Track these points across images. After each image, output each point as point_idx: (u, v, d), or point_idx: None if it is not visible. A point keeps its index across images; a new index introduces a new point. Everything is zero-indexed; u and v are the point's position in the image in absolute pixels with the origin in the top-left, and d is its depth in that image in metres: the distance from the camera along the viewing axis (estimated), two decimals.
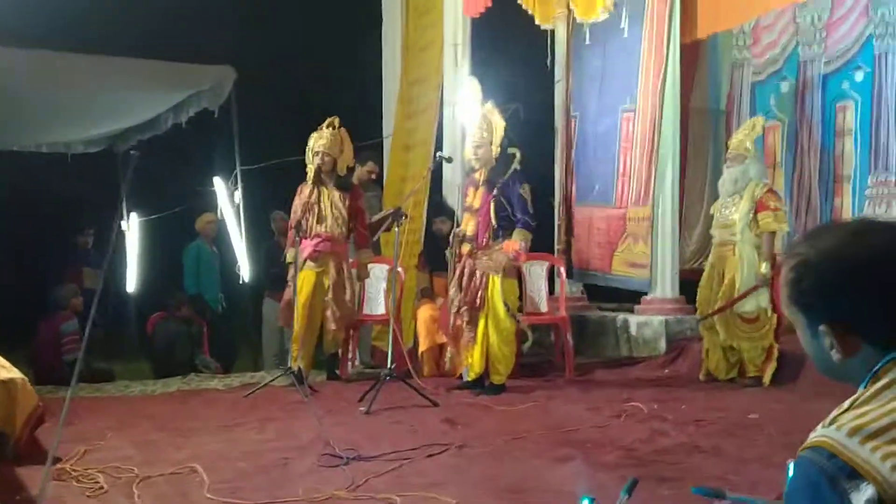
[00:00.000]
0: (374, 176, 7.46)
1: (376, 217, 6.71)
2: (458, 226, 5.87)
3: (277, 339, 7.38)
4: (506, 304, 5.59)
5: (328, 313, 6.05)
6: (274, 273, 7.14)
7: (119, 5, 9.61)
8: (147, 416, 5.07)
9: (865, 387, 1.27)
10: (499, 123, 5.71)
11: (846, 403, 1.23)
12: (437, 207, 7.11)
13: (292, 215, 6.17)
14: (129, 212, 10.00)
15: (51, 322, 6.61)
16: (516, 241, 5.56)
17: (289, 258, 6.13)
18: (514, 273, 5.73)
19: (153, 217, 9.90)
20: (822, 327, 1.28)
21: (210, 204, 8.41)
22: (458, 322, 5.77)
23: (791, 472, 1.23)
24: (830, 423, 1.20)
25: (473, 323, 5.68)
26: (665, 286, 6.84)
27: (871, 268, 1.26)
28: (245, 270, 7.64)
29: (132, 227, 9.86)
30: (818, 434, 1.20)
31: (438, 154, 6.37)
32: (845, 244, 1.30)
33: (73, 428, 4.74)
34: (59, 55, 7.84)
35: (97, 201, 10.70)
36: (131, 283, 9.71)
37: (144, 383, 6.37)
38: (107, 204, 10.39)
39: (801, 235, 1.41)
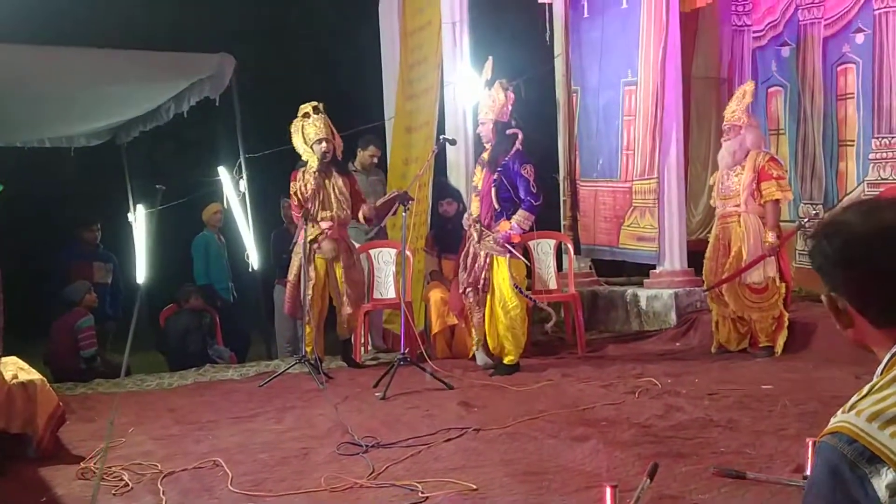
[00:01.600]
0: (376, 159, 7.46)
1: (381, 200, 6.71)
2: (467, 208, 5.90)
3: (290, 327, 7.42)
4: (516, 285, 5.61)
5: (343, 298, 6.08)
6: (285, 260, 7.17)
7: None
8: (165, 410, 5.12)
9: (882, 373, 1.30)
10: (500, 97, 5.71)
11: (865, 389, 1.25)
12: (442, 189, 7.11)
13: (297, 200, 6.14)
14: (135, 203, 10.03)
15: (65, 319, 6.65)
16: (508, 223, 5.57)
17: (310, 235, 6.09)
18: (504, 250, 5.67)
19: (159, 208, 9.92)
20: (822, 296, 1.34)
21: (216, 194, 8.42)
22: (466, 303, 5.83)
23: (811, 457, 1.27)
24: (850, 409, 1.23)
25: (480, 303, 5.73)
26: (674, 259, 6.86)
27: (868, 244, 1.28)
28: (254, 258, 7.67)
29: (139, 219, 9.90)
30: (838, 420, 1.23)
31: (442, 137, 6.35)
32: (854, 217, 1.33)
33: (94, 425, 4.81)
34: (59, 49, 7.82)
35: (102, 194, 10.74)
36: (141, 275, 9.76)
37: (160, 376, 6.43)
38: (112, 197, 10.44)
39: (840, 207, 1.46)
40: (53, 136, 9.71)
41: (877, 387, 1.24)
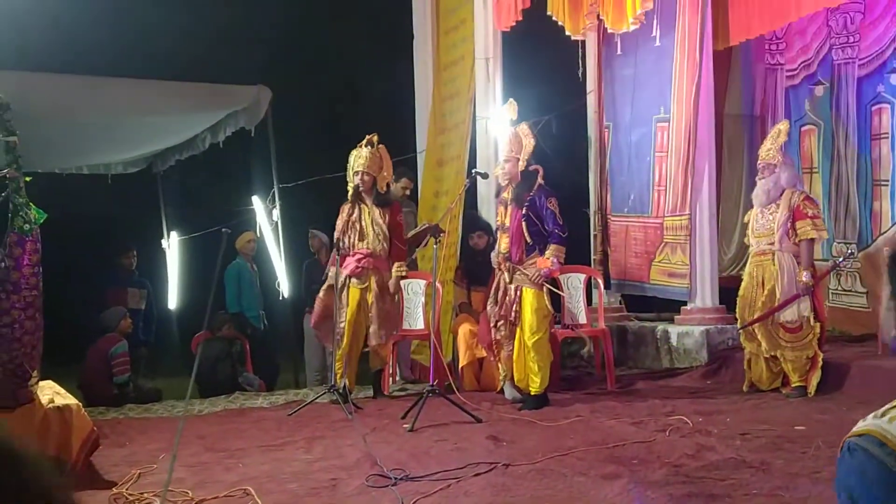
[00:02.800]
0: (408, 192, 7.53)
1: (412, 232, 6.78)
2: (496, 241, 5.95)
3: (319, 356, 7.47)
4: (556, 316, 5.66)
5: (371, 329, 6.12)
6: (314, 290, 7.24)
7: (157, 30, 9.81)
8: (196, 437, 5.16)
9: None
10: (529, 142, 5.76)
11: None
12: (473, 222, 7.15)
13: (335, 234, 6.24)
14: (169, 231, 10.19)
15: (101, 344, 6.74)
16: (548, 259, 5.62)
17: (329, 278, 6.20)
18: (541, 284, 5.73)
19: (193, 235, 10.07)
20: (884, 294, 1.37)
21: (249, 223, 8.53)
22: (496, 336, 5.85)
23: (840, 457, 1.28)
24: (882, 415, 1.26)
25: (511, 336, 5.76)
26: (705, 295, 6.83)
27: None
28: (285, 287, 7.75)
29: (172, 246, 10.05)
30: (868, 423, 1.26)
31: (474, 171, 6.41)
32: None
33: (126, 450, 4.87)
34: (99, 79, 8.02)
35: (138, 221, 10.92)
36: (173, 301, 9.89)
37: (191, 402, 6.47)
38: (147, 224, 10.62)
39: None
40: (91, 163, 9.91)
41: None
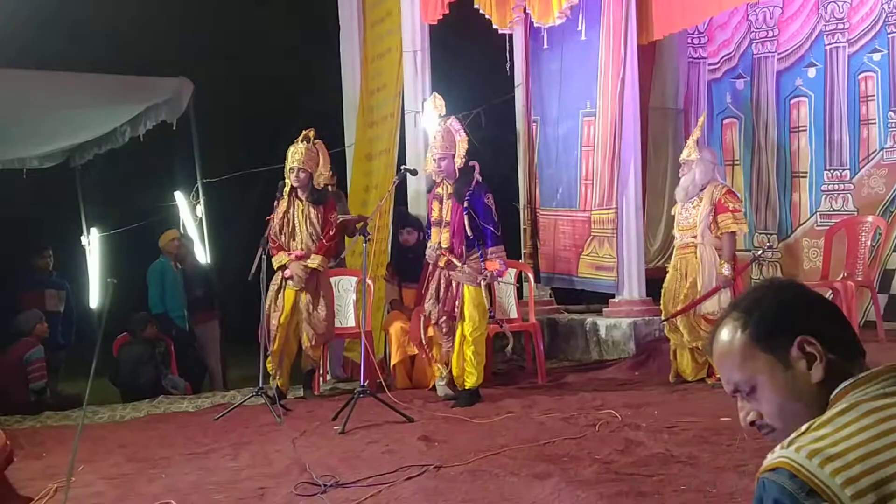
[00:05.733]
0: (331, 186, 7.39)
1: (342, 217, 6.64)
2: (428, 238, 5.91)
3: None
4: (491, 312, 5.78)
5: (304, 333, 6.01)
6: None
7: (75, 21, 9.45)
8: (117, 446, 4.99)
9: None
10: (462, 137, 5.74)
11: (803, 427, 1.29)
12: (402, 218, 7.09)
13: (268, 230, 6.07)
14: (88, 227, 9.86)
15: (14, 350, 6.47)
16: (495, 262, 5.65)
17: (275, 264, 6.02)
18: (479, 280, 5.77)
19: (114, 232, 9.76)
20: (798, 339, 1.35)
21: (172, 219, 8.31)
22: (434, 333, 5.83)
23: (756, 493, 1.28)
24: (789, 445, 1.26)
25: (452, 333, 5.76)
26: (632, 288, 6.91)
27: (811, 301, 1.43)
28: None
29: (93, 243, 9.72)
30: (777, 455, 1.26)
31: (403, 167, 6.34)
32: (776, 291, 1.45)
33: (43, 462, 4.68)
34: (14, 72, 7.69)
35: (55, 218, 10.53)
36: (94, 301, 9.56)
37: (113, 408, 6.28)
38: (66, 220, 10.24)
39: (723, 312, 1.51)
40: (5, 158, 9.52)
41: (815, 425, 1.28)
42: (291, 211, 6.05)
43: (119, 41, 10.39)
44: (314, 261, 6.02)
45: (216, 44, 11.07)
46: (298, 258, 5.99)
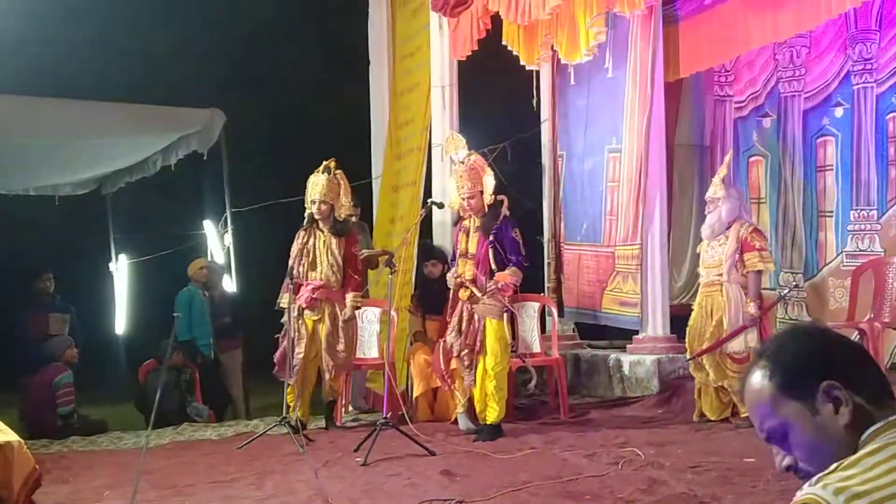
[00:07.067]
0: (354, 217, 7.45)
1: (366, 252, 6.70)
2: (453, 269, 5.95)
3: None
4: (512, 346, 5.81)
5: (323, 363, 6.04)
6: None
7: (109, 51, 9.68)
8: (142, 472, 5.02)
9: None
10: (488, 173, 5.80)
11: (832, 466, 1.32)
12: (427, 250, 7.14)
13: (289, 261, 6.13)
14: (117, 254, 10.01)
15: (44, 374, 6.56)
16: (506, 274, 5.68)
17: (282, 304, 6.10)
18: (502, 314, 5.79)
19: (142, 259, 9.91)
20: (824, 384, 1.38)
21: (201, 248, 8.42)
22: (456, 366, 5.85)
23: None
24: (817, 482, 1.29)
25: (473, 366, 5.77)
26: (656, 324, 6.89)
27: (836, 345, 1.46)
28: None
29: (121, 269, 9.87)
30: (805, 492, 1.29)
31: (430, 200, 6.40)
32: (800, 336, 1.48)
33: (70, 487, 4.73)
34: (50, 101, 7.89)
35: (85, 245, 10.70)
36: (120, 326, 9.69)
37: (138, 434, 6.33)
38: (95, 248, 10.42)
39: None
40: (39, 185, 9.73)
41: (843, 465, 1.31)
42: (312, 241, 6.09)
43: (153, 72, 10.62)
44: (356, 300, 6.07)
45: (247, 75, 11.28)
46: (315, 290, 6.03)
